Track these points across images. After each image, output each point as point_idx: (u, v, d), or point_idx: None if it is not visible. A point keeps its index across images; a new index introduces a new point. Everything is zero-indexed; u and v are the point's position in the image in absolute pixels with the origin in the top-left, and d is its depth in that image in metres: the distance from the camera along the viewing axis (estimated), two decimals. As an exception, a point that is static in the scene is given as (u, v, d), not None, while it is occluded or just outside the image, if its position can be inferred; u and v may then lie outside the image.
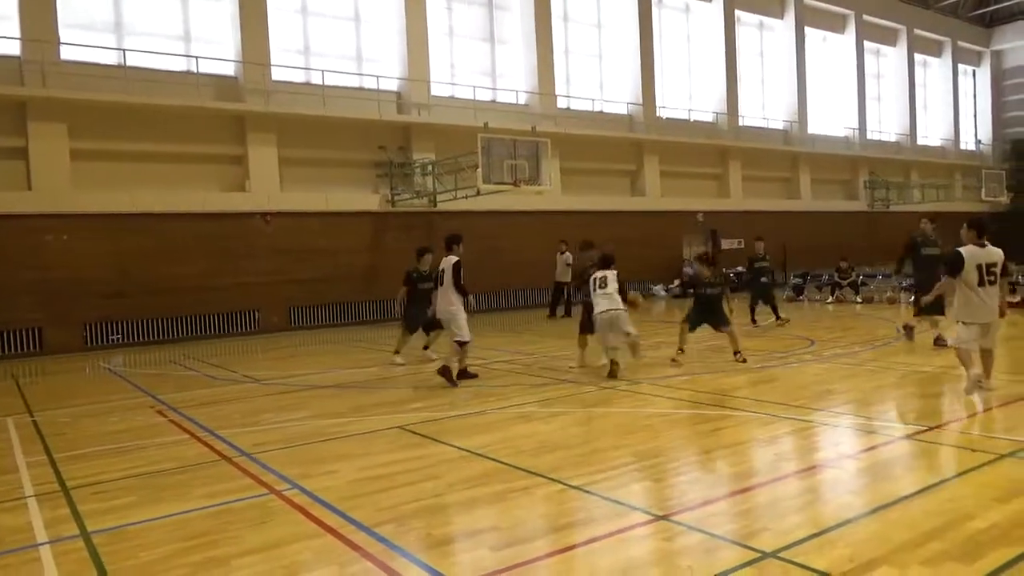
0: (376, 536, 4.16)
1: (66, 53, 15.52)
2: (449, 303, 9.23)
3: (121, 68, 15.97)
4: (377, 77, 19.43)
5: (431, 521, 4.43)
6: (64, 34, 15.55)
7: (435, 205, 19.49)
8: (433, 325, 10.93)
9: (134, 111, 15.88)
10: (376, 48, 19.95)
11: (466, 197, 17.99)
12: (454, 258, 9.45)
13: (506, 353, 12.02)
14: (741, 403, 7.46)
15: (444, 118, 19.90)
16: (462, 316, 9.22)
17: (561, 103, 22.82)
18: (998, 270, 7.11)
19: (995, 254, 7.17)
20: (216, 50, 17.46)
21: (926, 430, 6.23)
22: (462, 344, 9.20)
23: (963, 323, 7.27)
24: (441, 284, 9.39)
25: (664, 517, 4.32)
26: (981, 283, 7.06)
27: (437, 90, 20.43)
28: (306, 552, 4.01)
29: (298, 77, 18.59)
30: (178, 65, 16.98)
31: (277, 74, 18.01)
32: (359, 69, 19.61)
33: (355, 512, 4.54)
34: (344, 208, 18.56)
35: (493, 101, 21.54)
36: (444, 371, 8.93)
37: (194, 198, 16.59)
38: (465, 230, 19.76)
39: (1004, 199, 32.71)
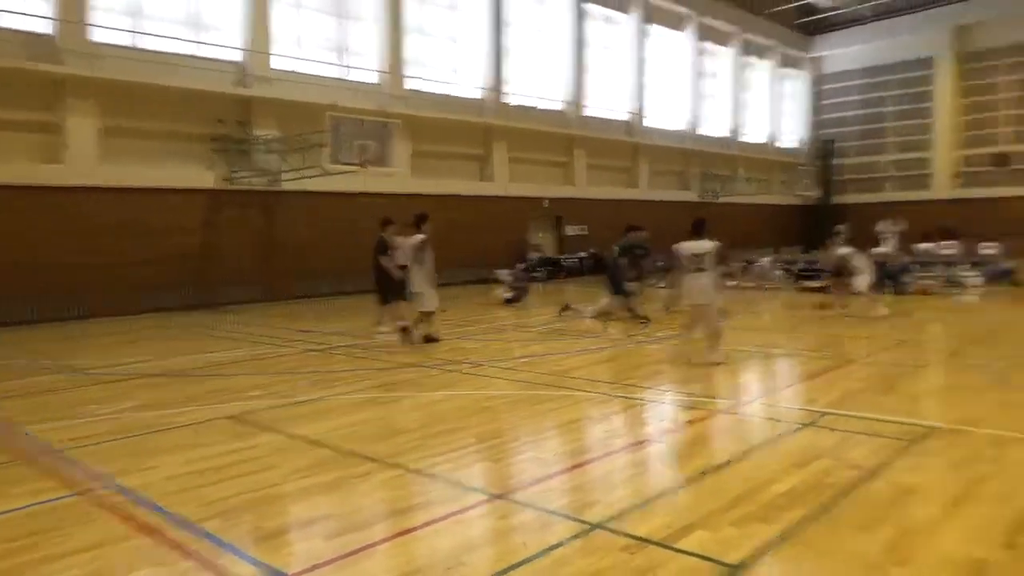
0: (201, 533, 3.95)
1: None
2: (412, 277, 10.22)
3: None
4: (216, 46, 18.28)
5: (263, 513, 4.28)
6: None
7: (278, 184, 18.68)
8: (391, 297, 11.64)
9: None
10: (215, 15, 18.71)
11: (311, 177, 17.38)
12: (420, 236, 10.21)
13: (348, 337, 11.79)
14: (578, 383, 7.76)
15: (289, 94, 19.04)
16: (429, 291, 10.26)
17: (413, 84, 22.55)
18: (706, 260, 8.31)
19: (703, 247, 8.39)
20: (27, 3, 15.66)
21: (740, 404, 6.81)
22: (427, 314, 10.39)
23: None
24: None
25: (501, 496, 4.43)
26: (691, 270, 8.38)
27: (282, 64, 19.51)
28: (123, 553, 3.74)
29: (124, 40, 17.07)
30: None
31: (102, 36, 16.45)
32: (196, 36, 18.34)
33: (178, 508, 4.29)
34: (176, 184, 17.32)
35: (342, 79, 20.90)
36: (405, 329, 10.39)
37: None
38: (310, 212, 19.56)
39: (815, 194, 36.11)
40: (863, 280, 12.61)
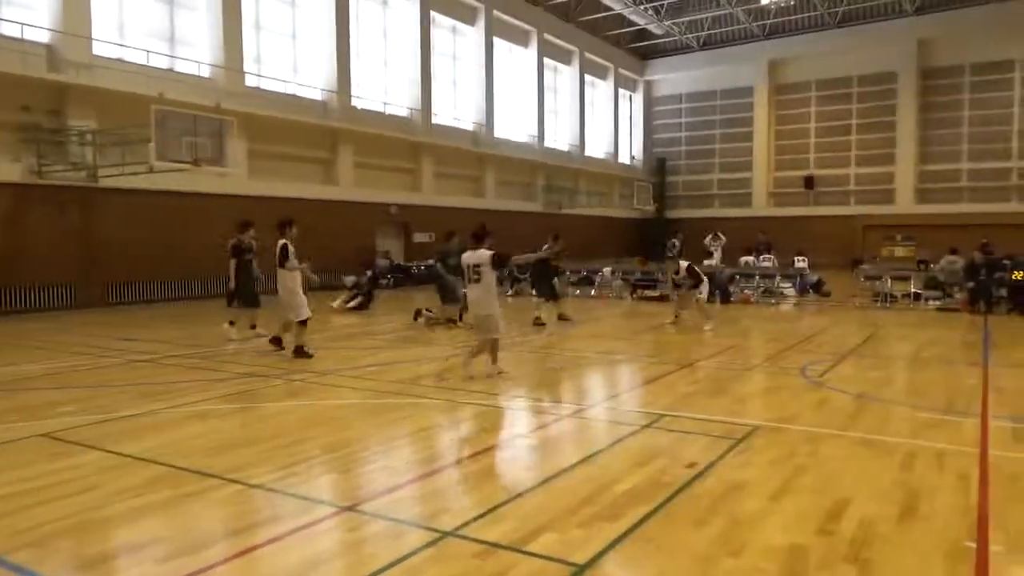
0: (8, 566, 3.52)
1: None
2: (283, 285, 9.77)
3: None
4: (22, 25, 16.50)
5: (83, 540, 3.88)
6: None
7: (96, 180, 17.12)
8: (254, 301, 11.88)
9: None
10: (21, -9, 16.89)
11: (135, 174, 16.09)
12: (282, 241, 9.80)
13: (181, 347, 11.03)
14: (425, 391, 7.72)
15: (109, 82, 17.50)
16: (299, 297, 9.74)
17: (251, 81, 21.53)
18: (481, 270, 8.04)
19: (479, 256, 8.09)
20: None
21: (585, 408, 7.06)
22: (302, 323, 9.75)
23: None
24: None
25: (350, 508, 4.31)
26: (469, 280, 8.24)
27: (101, 49, 17.94)
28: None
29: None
30: None
31: None
32: (-2, 13, 16.47)
33: (-21, 539, 3.81)
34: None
35: (171, 70, 19.54)
36: (275, 340, 10.12)
37: None
38: (135, 211, 18.14)
39: (651, 208, 38.38)
40: (705, 289, 13.56)
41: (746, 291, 18.85)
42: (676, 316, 13.61)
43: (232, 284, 12.08)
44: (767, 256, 21.54)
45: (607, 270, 20.80)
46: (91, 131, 16.82)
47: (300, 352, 9.71)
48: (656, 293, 19.10)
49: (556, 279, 14.63)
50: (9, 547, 3.72)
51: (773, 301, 18.54)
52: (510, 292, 20.88)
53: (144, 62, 18.75)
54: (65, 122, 16.90)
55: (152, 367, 9.30)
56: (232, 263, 11.79)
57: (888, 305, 16.89)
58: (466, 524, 3.99)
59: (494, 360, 8.32)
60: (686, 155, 42.24)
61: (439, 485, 4.84)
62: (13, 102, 16.15)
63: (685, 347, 11.18)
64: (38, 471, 5.02)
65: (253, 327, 11.84)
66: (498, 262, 8.10)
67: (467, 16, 30.25)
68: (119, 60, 18.25)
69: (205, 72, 20.36)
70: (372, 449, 5.72)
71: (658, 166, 42.63)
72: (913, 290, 17.48)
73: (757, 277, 19.63)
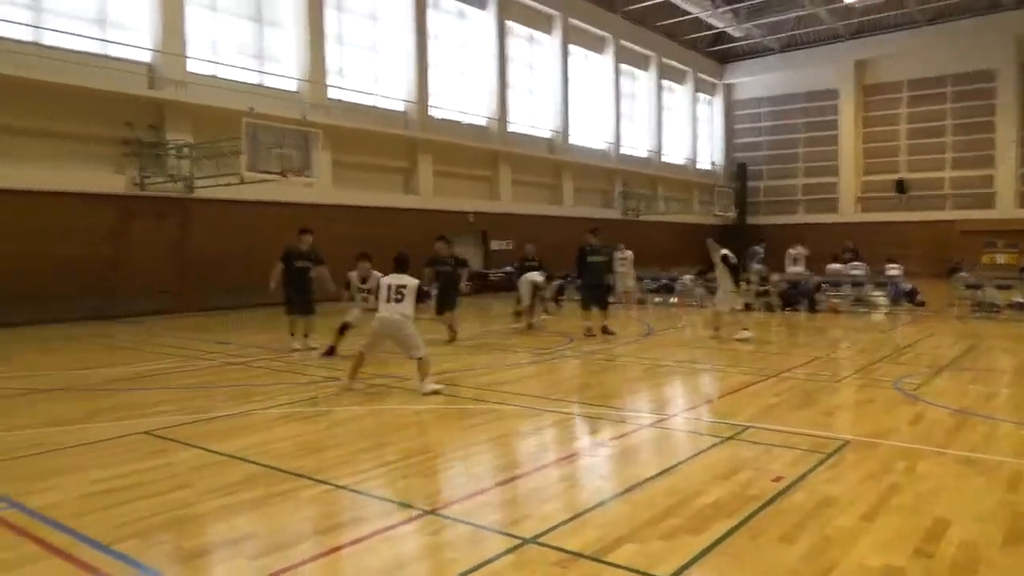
0: (115, 554, 3.72)
1: None
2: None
3: None
4: (125, 46, 17.53)
5: (181, 533, 4.07)
6: None
7: (192, 191, 18.02)
8: (306, 309, 11.42)
9: None
10: (124, 13, 17.95)
11: (228, 185, 16.83)
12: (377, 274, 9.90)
13: (269, 351, 11.43)
14: (505, 397, 7.75)
15: (204, 98, 18.42)
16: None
17: (334, 94, 22.21)
18: (406, 291, 7.85)
19: (405, 279, 7.95)
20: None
21: (666, 418, 6.95)
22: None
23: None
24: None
25: (431, 512, 4.36)
26: (388, 300, 7.86)
27: (196, 67, 18.88)
28: (26, 579, 3.49)
29: (24, 35, 16.16)
30: None
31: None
32: (103, 35, 17.54)
33: (88, 529, 4.03)
34: (80, 188, 16.43)
35: (260, 85, 20.38)
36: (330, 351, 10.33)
37: None
38: (226, 220, 18.93)
39: (732, 215, 37.59)
40: (722, 295, 12.62)
41: (833, 300, 18.17)
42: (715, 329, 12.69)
43: (282, 291, 11.42)
44: (856, 263, 20.69)
45: (687, 277, 20.43)
46: (187, 144, 17.71)
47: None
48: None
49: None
50: (114, 537, 3.93)
51: (863, 310, 17.81)
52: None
53: (235, 78, 19.65)
54: (164, 136, 17.86)
55: (243, 370, 9.68)
56: (278, 268, 11.25)
57: (991, 315, 15.96)
58: (546, 532, 3.98)
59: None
60: (767, 160, 41.14)
61: (518, 492, 4.85)
62: (118, 118, 17.17)
63: (769, 357, 10.86)
64: (140, 466, 5.29)
65: (306, 336, 11.41)
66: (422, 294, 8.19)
67: (543, 25, 30.38)
68: (212, 77, 19.18)
69: (291, 86, 21.14)
70: (451, 454, 5.78)
71: (738, 171, 41.68)
72: (1017, 299, 16.46)
73: (848, 285, 18.90)
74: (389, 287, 7.96)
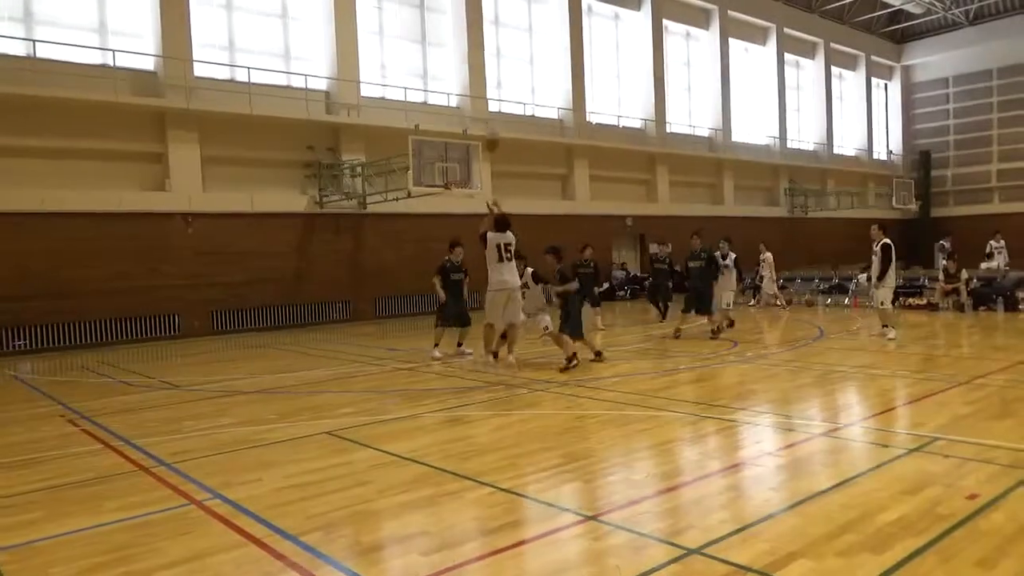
0: (302, 545, 4.07)
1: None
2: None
3: (30, 59, 15.19)
4: (305, 76, 19.09)
5: (360, 528, 4.37)
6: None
7: (364, 207, 19.26)
8: (463, 320, 11.73)
9: (44, 105, 15.10)
10: (304, 46, 19.59)
11: (396, 199, 17.83)
12: (530, 270, 10.61)
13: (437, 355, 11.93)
14: (666, 403, 7.62)
15: (374, 119, 19.68)
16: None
17: (493, 106, 22.88)
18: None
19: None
20: (134, 43, 16.81)
21: (841, 427, 6.52)
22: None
23: None
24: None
25: (593, 517, 4.37)
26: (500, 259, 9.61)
27: (367, 91, 20.19)
28: (229, 563, 3.89)
29: (222, 74, 18.07)
30: (93, 58, 16.25)
31: (200, 70, 17.46)
32: (287, 67, 19.22)
33: (280, 521, 4.43)
34: (270, 209, 18.14)
35: (424, 103, 21.43)
36: (494, 355, 10.23)
37: (109, 197, 15.90)
38: (396, 233, 20.04)
39: (913, 207, 34.56)
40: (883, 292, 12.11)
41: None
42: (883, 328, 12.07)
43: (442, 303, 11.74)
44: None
45: (862, 276, 19.04)
46: (361, 163, 18.98)
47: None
48: (923, 301, 17.15)
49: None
50: (303, 529, 4.29)
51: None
52: (752, 303, 19.95)
53: (401, 98, 20.79)
54: (340, 157, 19.26)
55: (412, 375, 10.19)
56: (437, 280, 11.66)
57: None
58: (712, 543, 3.87)
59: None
60: (955, 145, 37.47)
61: (682, 500, 4.75)
62: (300, 143, 18.74)
63: (961, 361, 9.90)
64: (323, 464, 5.73)
65: (459, 344, 11.69)
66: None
67: (700, 20, 29.59)
68: (381, 99, 20.42)
69: (453, 102, 22.02)
70: (613, 460, 5.76)
71: (921, 160, 38.27)
72: None
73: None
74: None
